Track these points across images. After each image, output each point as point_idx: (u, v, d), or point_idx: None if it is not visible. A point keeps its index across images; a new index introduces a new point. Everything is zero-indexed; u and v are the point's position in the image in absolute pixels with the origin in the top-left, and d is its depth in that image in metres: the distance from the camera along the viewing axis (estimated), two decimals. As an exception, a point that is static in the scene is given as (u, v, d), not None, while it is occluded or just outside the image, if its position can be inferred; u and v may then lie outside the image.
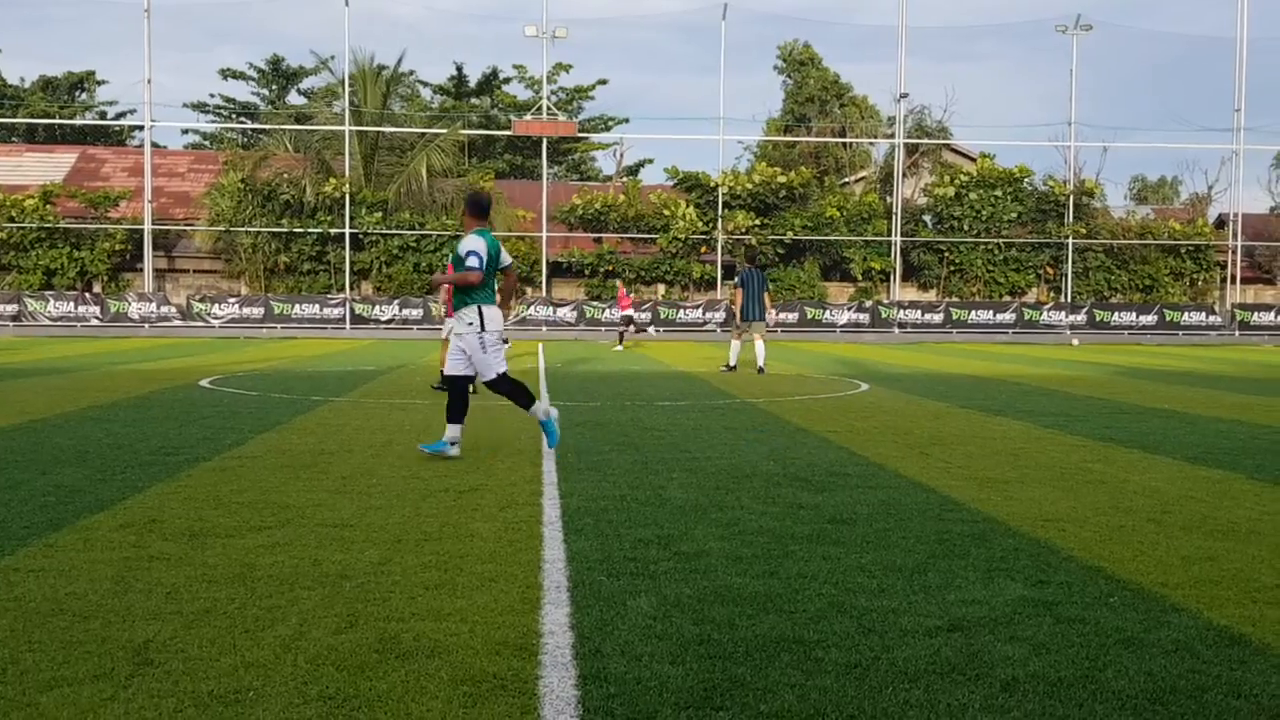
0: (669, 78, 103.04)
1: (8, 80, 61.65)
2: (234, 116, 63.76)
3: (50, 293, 41.05)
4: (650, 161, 62.96)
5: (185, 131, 64.46)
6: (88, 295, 41.34)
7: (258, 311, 41.10)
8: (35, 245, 41.92)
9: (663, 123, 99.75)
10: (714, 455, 9.10)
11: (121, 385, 15.63)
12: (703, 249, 45.02)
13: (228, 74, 65.04)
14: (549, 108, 46.51)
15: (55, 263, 41.91)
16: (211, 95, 66.44)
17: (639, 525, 6.23)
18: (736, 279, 20.36)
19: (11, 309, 40.14)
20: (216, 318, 40.80)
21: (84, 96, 63.83)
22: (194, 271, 44.47)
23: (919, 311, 44.08)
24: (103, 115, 61.80)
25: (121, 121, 58.98)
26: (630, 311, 31.70)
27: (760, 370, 19.30)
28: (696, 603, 4.68)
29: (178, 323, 40.45)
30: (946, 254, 45.88)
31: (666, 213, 44.37)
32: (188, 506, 6.67)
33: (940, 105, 76.12)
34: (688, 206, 44.51)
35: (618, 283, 37.10)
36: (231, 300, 41.59)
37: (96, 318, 40.49)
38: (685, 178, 45.56)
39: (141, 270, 42.76)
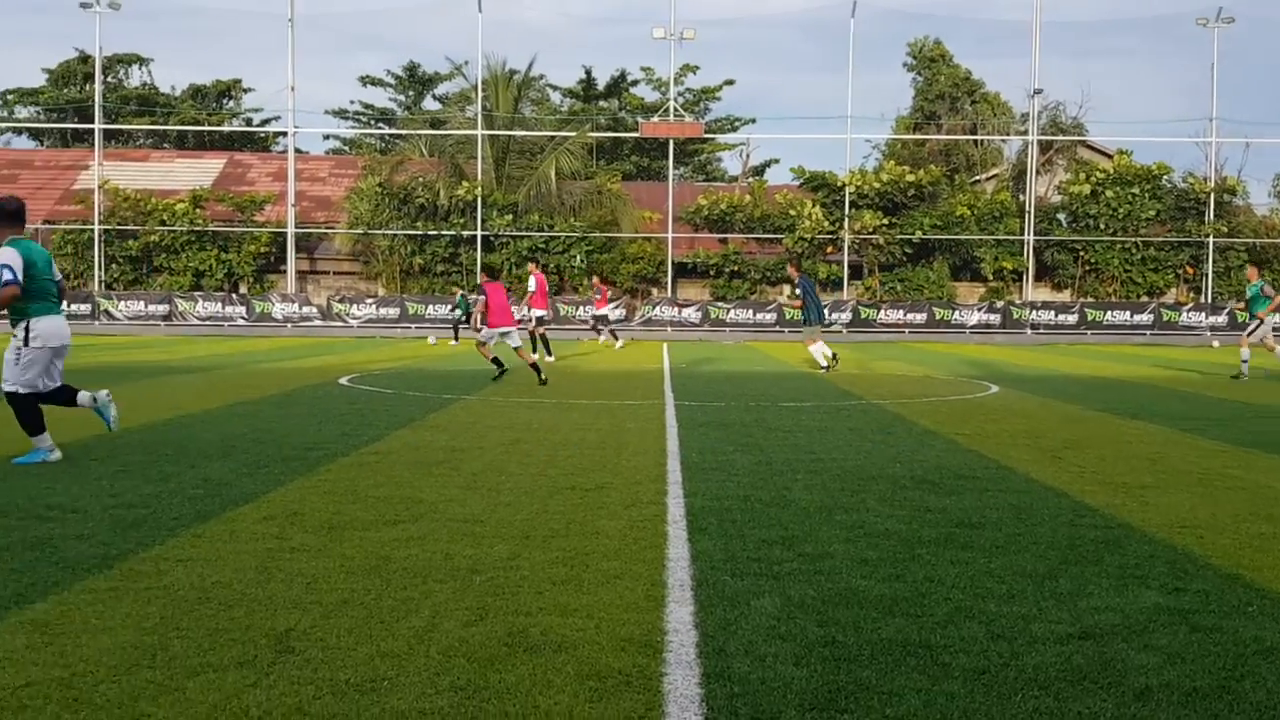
0: (796, 77, 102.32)
1: (160, 89, 64.39)
2: (372, 122, 65.48)
3: (199, 293, 42.71)
4: (776, 161, 62.66)
5: (326, 137, 66.46)
6: (234, 296, 42.91)
7: (393, 312, 42.12)
8: (185, 248, 43.66)
9: (789, 122, 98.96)
10: (839, 456, 9.04)
11: (265, 383, 16.20)
12: (829, 249, 44.63)
13: (367, 81, 66.80)
14: (676, 109, 46.66)
15: (204, 264, 43.59)
16: (351, 102, 68.45)
17: (763, 526, 6.24)
18: (799, 287, 20.43)
19: (163, 309, 41.90)
20: (355, 318, 41.93)
21: (231, 104, 66.26)
22: (334, 273, 45.79)
23: (1052, 312, 42.96)
24: (249, 122, 64.07)
25: (266, 128, 61.07)
26: (605, 310, 31.88)
27: (826, 368, 19.73)
28: (821, 604, 4.67)
29: (318, 322, 41.70)
30: (1081, 253, 44.63)
31: (792, 213, 44.11)
32: (327, 500, 6.90)
33: (1075, 101, 74.15)
34: (814, 206, 44.18)
35: (595, 280, 35.98)
36: (369, 301, 42.71)
37: (242, 317, 41.99)
38: (812, 177, 45.23)
39: (285, 272, 44.21)
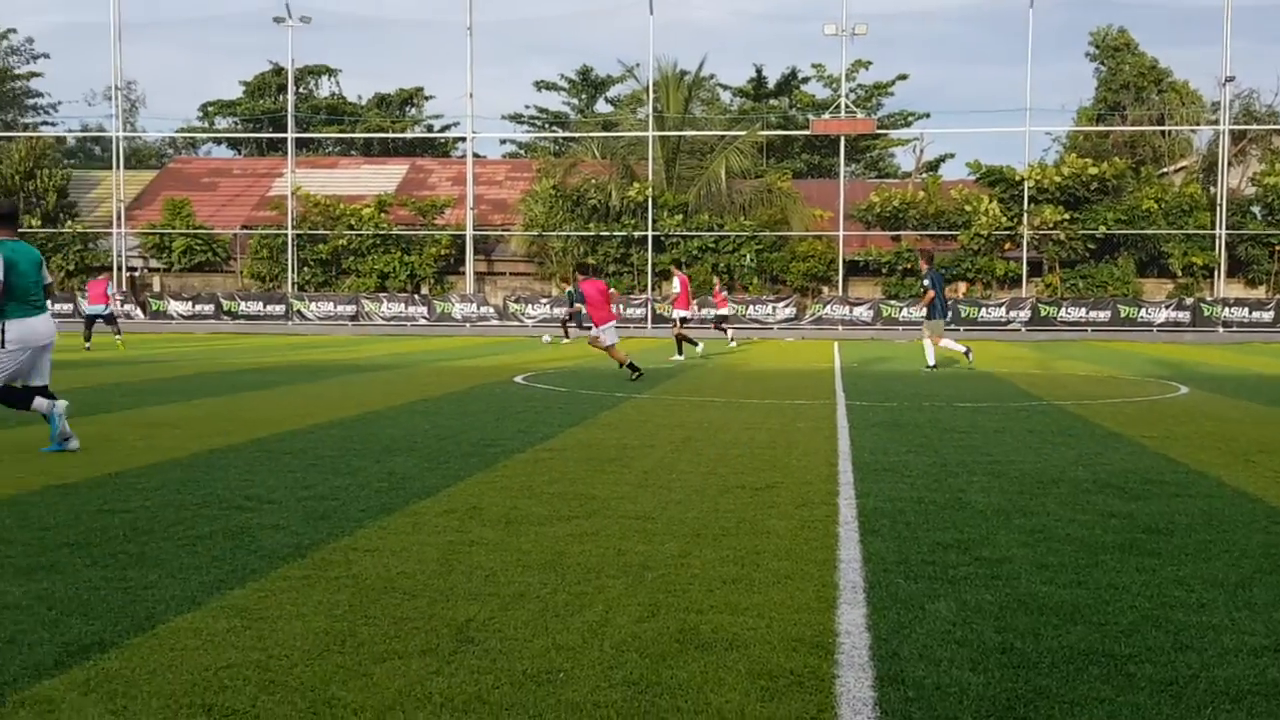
0: (972, 69, 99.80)
1: (348, 99, 67.00)
2: (547, 126, 66.70)
3: (384, 294, 44.28)
4: (951, 156, 61.17)
5: (503, 142, 68.08)
6: (416, 297, 44.35)
7: (559, 311, 42.83)
8: (371, 251, 45.32)
9: (964, 116, 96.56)
10: (1018, 459, 8.80)
11: (445, 381, 16.70)
12: (1006, 245, 43.40)
13: (542, 85, 68.11)
14: (847, 105, 46.11)
15: (388, 267, 45.15)
16: (526, 106, 69.85)
17: (938, 529, 6.13)
18: (928, 280, 19.90)
19: (350, 309, 43.60)
20: (530, 317, 42.81)
21: (413, 111, 68.44)
22: (510, 274, 46.84)
23: (1246, 309, 40.80)
24: (430, 129, 66.11)
25: (446, 134, 62.88)
26: (726, 310, 31.82)
27: (932, 367, 19.45)
28: (999, 610, 4.57)
29: (495, 322, 42.74)
30: (1278, 247, 42.24)
31: (968, 208, 43.07)
32: (504, 495, 7.09)
33: (1270, 88, 70.13)
34: (990, 202, 43.02)
35: (715, 281, 35.88)
36: (543, 301, 43.54)
37: (424, 317, 43.35)
38: (988, 172, 44.06)
39: (464, 273, 45.45)
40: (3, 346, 8.56)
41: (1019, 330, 40.25)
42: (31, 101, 69.02)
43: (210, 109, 67.46)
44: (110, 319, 27.18)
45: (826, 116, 47.02)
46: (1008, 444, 9.72)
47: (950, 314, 20.46)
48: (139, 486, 7.28)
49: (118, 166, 47.34)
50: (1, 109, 64.01)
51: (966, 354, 20.14)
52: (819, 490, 7.35)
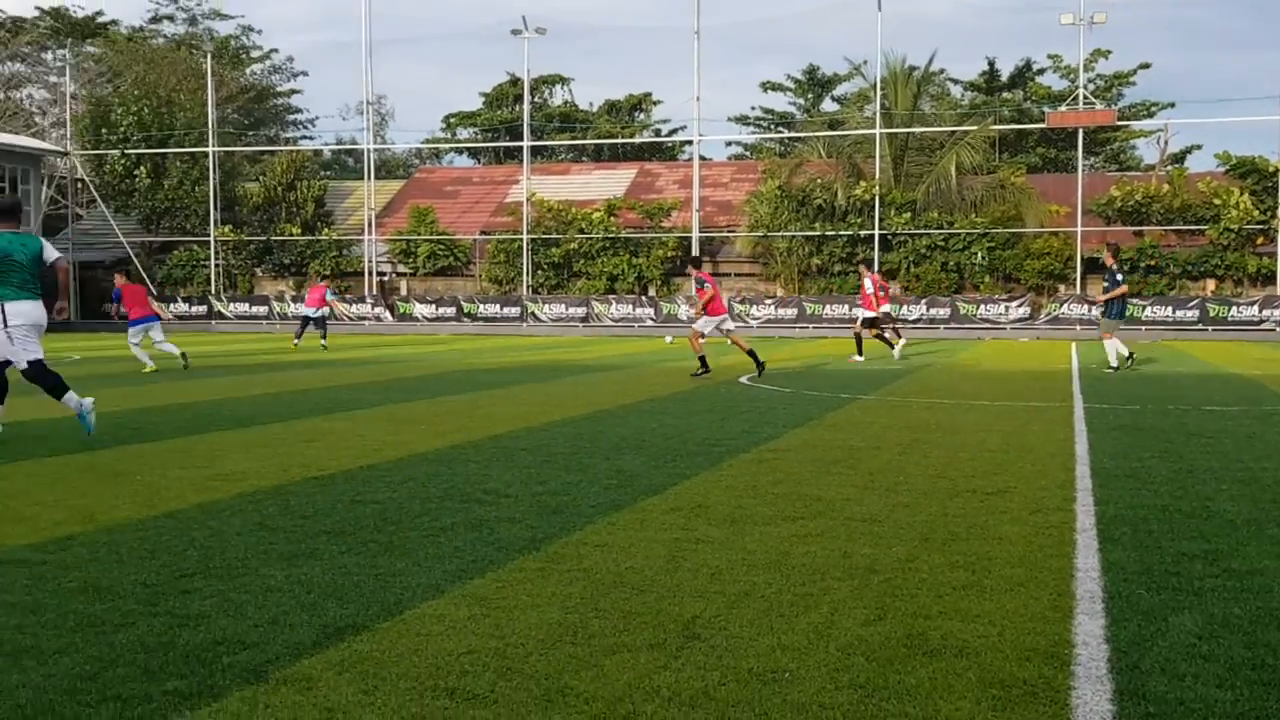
0: (1221, 55, 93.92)
1: (579, 106, 68.72)
2: (772, 127, 66.61)
3: (613, 296, 45.20)
4: (1198, 147, 57.78)
5: (729, 144, 68.35)
6: (643, 298, 45.05)
7: (791, 312, 42.68)
8: (600, 254, 46.32)
9: (1213, 105, 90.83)
10: (1272, 466, 8.26)
11: (672, 381, 16.94)
12: (1258, 240, 40.65)
13: (767, 86, 68.05)
14: (1085, 97, 44.16)
15: (617, 269, 46.05)
16: (752, 108, 69.95)
17: (1182, 538, 5.84)
18: (1120, 276, 19.04)
19: (581, 311, 44.70)
20: (755, 318, 42.85)
21: (642, 116, 69.57)
22: (735, 275, 47.00)
23: None
24: (657, 133, 67.05)
25: (673, 138, 63.63)
26: (878, 311, 30.74)
27: (1116, 369, 18.75)
28: (1249, 624, 4.33)
29: (719, 323, 42.94)
30: None
31: (1217, 202, 40.55)
32: (729, 495, 7.15)
33: None
34: (1241, 195, 40.38)
35: (869, 275, 35.40)
36: (768, 301, 43.51)
37: (650, 318, 44.00)
38: (1239, 163, 41.36)
39: (690, 275, 45.84)
40: (6, 326, 9.41)
41: (1274, 330, 37.63)
42: (292, 117, 73.83)
43: (452, 120, 70.44)
44: (320, 322, 29.04)
45: (1063, 109, 45.20)
46: (1260, 450, 9.14)
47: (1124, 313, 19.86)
48: (388, 479, 7.71)
49: (369, 177, 50.00)
50: (265, 125, 68.63)
51: (1129, 359, 19.45)
52: (1054, 496, 7.11)
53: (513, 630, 4.26)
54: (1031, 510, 6.64)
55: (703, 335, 18.03)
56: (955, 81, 61.58)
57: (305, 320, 29.42)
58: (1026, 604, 4.63)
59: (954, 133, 45.23)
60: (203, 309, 47.90)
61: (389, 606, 4.58)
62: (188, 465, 8.36)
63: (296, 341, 28.65)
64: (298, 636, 4.18)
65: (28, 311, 9.49)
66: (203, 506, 6.72)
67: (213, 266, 49.12)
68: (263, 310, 47.51)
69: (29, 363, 9.54)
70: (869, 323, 23.58)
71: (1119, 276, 19.13)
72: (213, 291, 48.54)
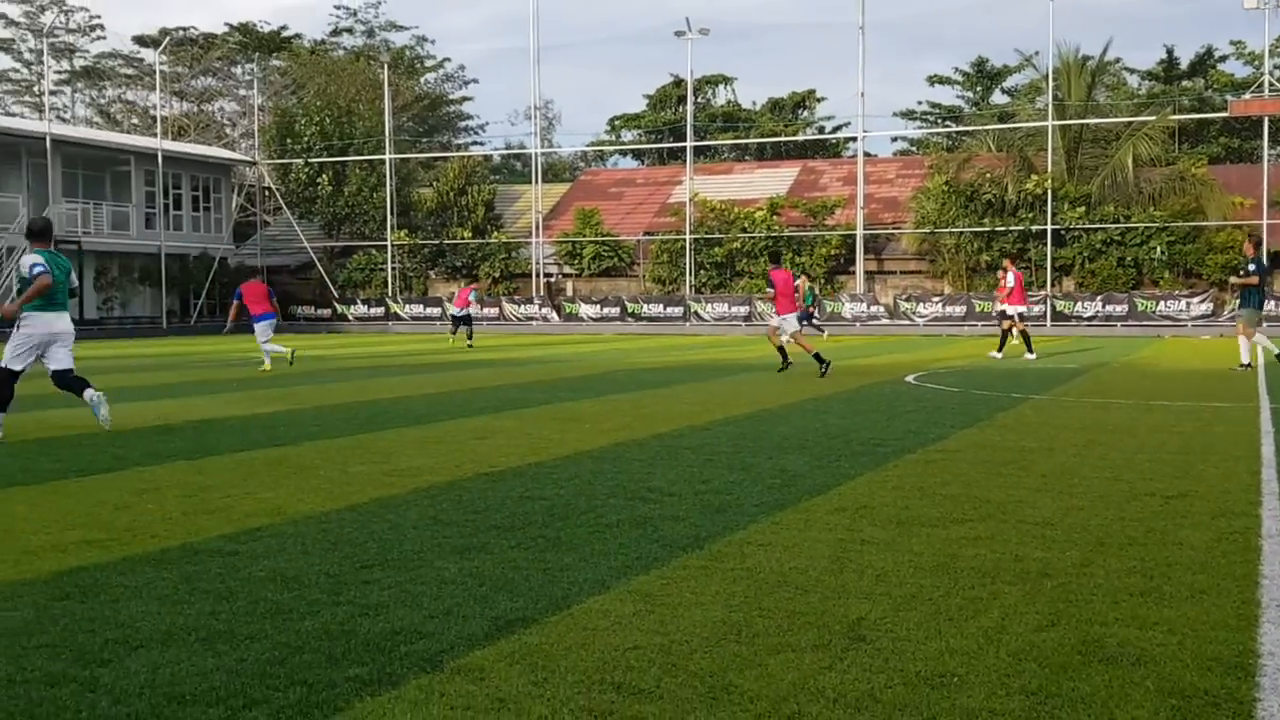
0: None
1: (742, 105, 68.66)
2: (939, 121, 65.28)
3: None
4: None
5: (894, 139, 67.30)
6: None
7: (959, 310, 41.74)
8: (763, 253, 46.17)
9: None
10: None
11: (835, 380, 16.78)
12: None
13: (934, 80, 66.78)
14: (1271, 84, 41.90)
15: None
16: (919, 102, 68.81)
17: (1385, 548, 5.52)
18: (1252, 266, 18.21)
19: (743, 310, 44.62)
20: (921, 316, 42.08)
21: (805, 114, 69.08)
22: (900, 272, 46.24)
23: None
24: (821, 130, 66.48)
25: (837, 135, 62.98)
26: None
27: (1245, 367, 17.83)
28: None
29: (885, 321, 42.35)
30: None
31: None
32: (895, 495, 7.07)
33: None
34: None
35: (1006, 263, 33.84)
36: (935, 299, 42.67)
37: (814, 317, 43.60)
38: None
39: (853, 272, 45.36)
40: (17, 330, 10.39)
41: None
42: (463, 124, 75.90)
43: (617, 123, 71.25)
44: (467, 320, 31.86)
45: (1247, 97, 42.91)
46: None
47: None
48: (555, 476, 7.87)
49: (536, 181, 50.98)
50: (438, 132, 70.65)
51: (1255, 360, 18.36)
52: (1239, 500, 6.80)
53: (677, 627, 4.31)
54: (1214, 514, 6.37)
55: (782, 332, 18.30)
56: (1131, 71, 59.32)
57: (456, 320, 32.84)
58: (1208, 611, 4.46)
59: (1130, 123, 43.51)
60: (380, 310, 49.57)
61: (557, 600, 4.68)
62: (367, 461, 8.70)
63: (451, 340, 32.12)
64: (470, 628, 4.31)
65: (54, 323, 10.63)
66: (381, 500, 6.99)
67: (389, 269, 50.80)
68: (436, 311, 48.87)
69: (56, 371, 10.69)
70: (1006, 316, 23.09)
71: (1250, 267, 18.41)
72: (389, 294, 50.19)
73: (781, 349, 18.39)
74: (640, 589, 4.86)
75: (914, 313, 42.30)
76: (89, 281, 46.79)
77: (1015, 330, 22.88)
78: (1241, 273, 18.54)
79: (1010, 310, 23.02)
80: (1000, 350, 23.19)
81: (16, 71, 69.86)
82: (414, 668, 3.85)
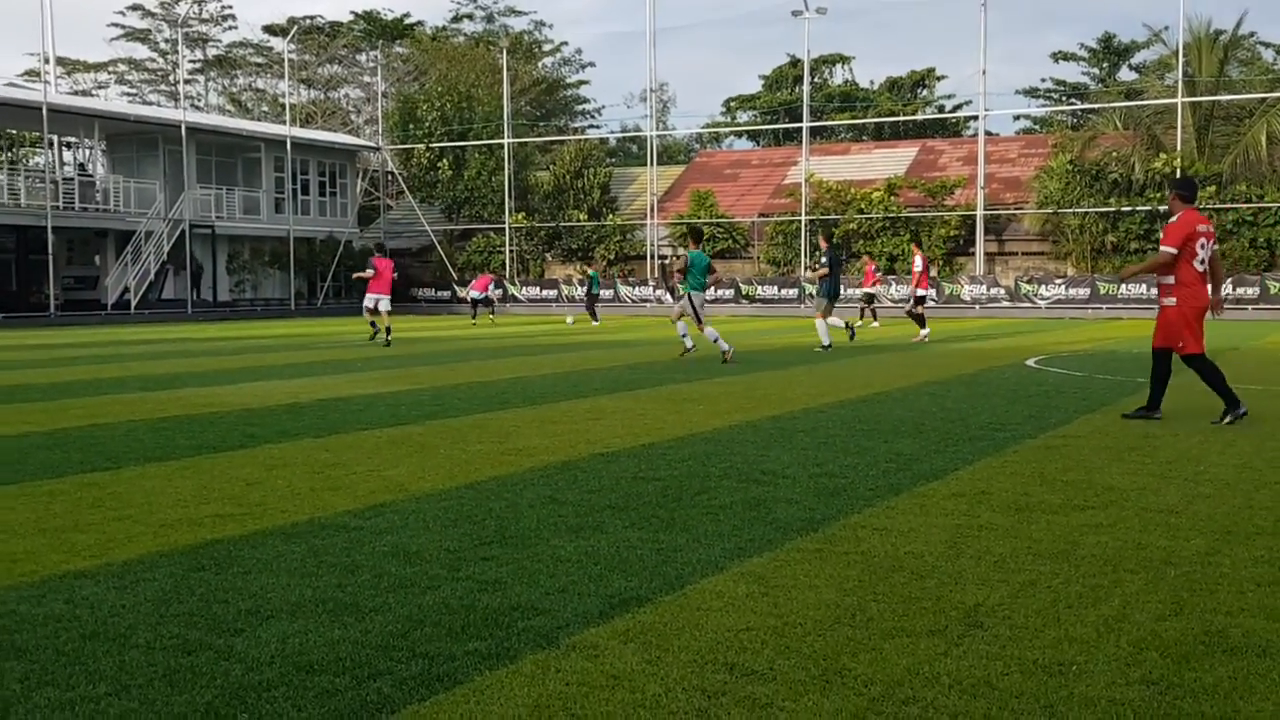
0: None
1: (860, 85, 67.74)
2: (1064, 99, 63.57)
3: (893, 276, 44.36)
4: None
5: (1016, 118, 65.76)
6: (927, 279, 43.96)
7: (1083, 292, 40.66)
8: (880, 234, 45.60)
9: None
10: None
11: (953, 363, 16.53)
12: None
13: (1059, 57, 65.09)
14: None
15: (897, 249, 45.18)
16: (1042, 80, 66.95)
17: None
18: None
19: (858, 291, 44.10)
20: (1043, 298, 41.10)
21: (924, 93, 67.90)
22: (1022, 254, 45.22)
23: None
24: (940, 109, 65.26)
25: (957, 114, 61.77)
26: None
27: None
28: None
29: (1005, 304, 41.47)
30: None
31: None
32: (1014, 481, 6.95)
33: None
34: None
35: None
36: (1058, 281, 41.64)
37: (932, 299, 42.78)
38: None
39: (973, 254, 44.52)
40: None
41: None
42: (580, 107, 76.35)
43: (732, 104, 70.94)
44: (487, 303, 37.82)
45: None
46: None
47: None
48: (668, 457, 7.93)
49: (651, 163, 51.06)
50: (555, 115, 71.22)
51: None
52: (1381, 492, 6.53)
53: (790, 609, 4.32)
54: (1353, 506, 6.13)
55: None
56: (1266, 45, 56.73)
57: (474, 303, 37.59)
58: (1344, 606, 4.31)
59: (1265, 100, 41.76)
60: (498, 293, 50.31)
61: (670, 581, 4.73)
62: (485, 440, 8.87)
63: (474, 321, 35.44)
64: (585, 605, 4.39)
65: None
66: (499, 479, 7.13)
67: (507, 252, 51.45)
68: (552, 294, 49.35)
69: None
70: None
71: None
72: (507, 276, 50.84)
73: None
74: (753, 571, 4.88)
75: (1036, 295, 41.33)
76: (221, 265, 48.42)
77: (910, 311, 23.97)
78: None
79: (919, 293, 24.41)
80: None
81: (153, 61, 72.37)
82: (531, 643, 3.94)
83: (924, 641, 3.96)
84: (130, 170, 47.07)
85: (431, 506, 6.31)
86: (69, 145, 50.95)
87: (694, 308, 17.77)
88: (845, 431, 9.22)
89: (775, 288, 45.81)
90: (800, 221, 46.50)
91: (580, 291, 42.24)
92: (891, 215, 45.13)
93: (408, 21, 73.57)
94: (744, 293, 46.07)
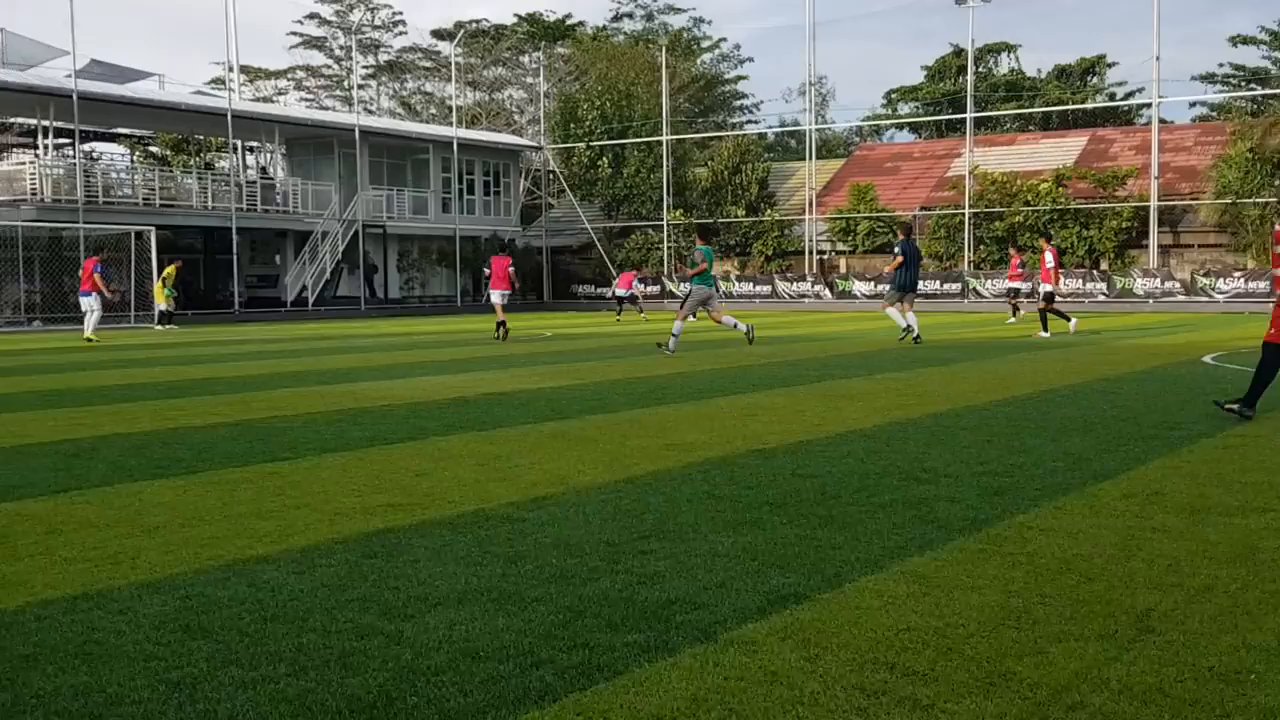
0: None
1: (1026, 73, 65.80)
2: (1243, 84, 60.55)
3: (1060, 270, 43.00)
4: None
5: (1192, 104, 62.94)
6: (1095, 272, 42.53)
7: (1263, 286, 38.63)
8: (1048, 226, 44.26)
9: None
10: None
11: (1125, 359, 15.96)
12: None
13: (1237, 40, 61.96)
14: None
15: (1065, 242, 43.80)
16: (1220, 64, 63.90)
17: None
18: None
19: (1026, 285, 42.90)
20: (1220, 292, 39.29)
21: (1094, 80, 65.55)
22: (1198, 246, 43.30)
23: None
24: (1111, 97, 62.89)
25: (1129, 101, 59.48)
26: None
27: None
28: None
29: (1181, 298, 39.79)
30: None
31: None
32: (1189, 482, 6.69)
33: None
34: None
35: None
36: (1236, 274, 39.71)
37: (1103, 294, 41.50)
38: None
39: (1146, 246, 42.83)
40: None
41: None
42: (738, 103, 76.20)
43: (894, 96, 69.77)
44: (632, 300, 37.91)
45: None
46: None
47: None
48: (827, 454, 7.88)
49: (810, 157, 50.69)
50: (713, 111, 71.28)
51: None
52: None
53: (952, 610, 4.26)
54: None
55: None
56: None
57: (620, 300, 38.29)
58: None
59: None
60: (656, 289, 50.61)
61: (829, 578, 4.71)
62: (643, 435, 8.96)
63: (618, 318, 35.47)
64: (743, 601, 4.40)
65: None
66: (657, 474, 7.20)
67: (665, 248, 51.73)
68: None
69: None
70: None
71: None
72: (665, 272, 51.13)
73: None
74: (914, 570, 4.82)
75: (1212, 289, 39.51)
76: (392, 263, 50.00)
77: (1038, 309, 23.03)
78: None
79: (1043, 289, 23.51)
80: (1046, 329, 22.99)
81: (329, 68, 75.09)
82: (689, 637, 3.98)
83: (1093, 646, 3.85)
84: (307, 173, 49.04)
85: (591, 499, 6.41)
86: (251, 150, 53.31)
87: (689, 298, 19.05)
88: (1011, 429, 9.01)
89: (937, 282, 44.91)
90: (964, 214, 45.46)
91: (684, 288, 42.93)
92: (1060, 207, 43.74)
93: (569, 22, 74.62)
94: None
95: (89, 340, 25.62)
